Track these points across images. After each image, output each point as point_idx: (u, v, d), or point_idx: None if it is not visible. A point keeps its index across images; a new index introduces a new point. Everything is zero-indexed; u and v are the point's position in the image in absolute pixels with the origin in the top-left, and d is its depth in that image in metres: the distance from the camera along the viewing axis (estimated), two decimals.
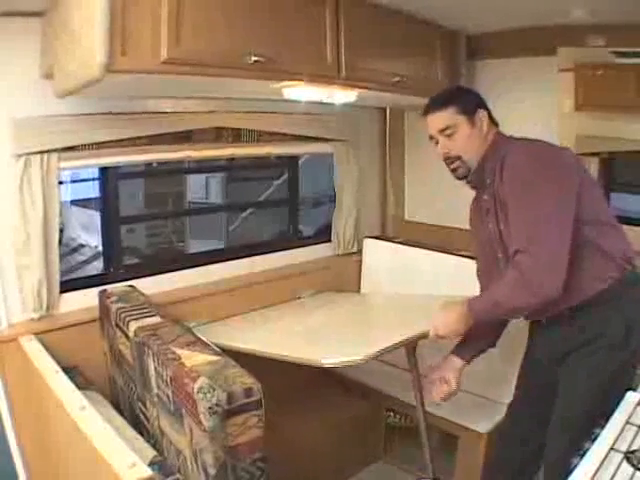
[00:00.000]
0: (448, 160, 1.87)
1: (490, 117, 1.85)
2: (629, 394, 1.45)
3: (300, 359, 1.86)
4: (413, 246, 3.00)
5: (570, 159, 1.73)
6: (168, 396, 1.66)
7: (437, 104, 1.85)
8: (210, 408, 1.44)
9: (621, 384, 1.60)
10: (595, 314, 1.69)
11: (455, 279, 2.61)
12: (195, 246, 6.57)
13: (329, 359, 1.79)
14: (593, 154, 3.03)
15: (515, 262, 1.65)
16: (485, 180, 1.83)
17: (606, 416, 1.47)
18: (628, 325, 1.66)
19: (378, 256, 3.17)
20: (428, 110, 1.87)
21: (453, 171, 1.88)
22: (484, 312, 1.76)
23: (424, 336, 1.93)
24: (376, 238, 3.26)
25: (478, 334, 1.92)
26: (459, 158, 1.83)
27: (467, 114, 1.81)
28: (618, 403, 1.50)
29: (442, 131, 1.83)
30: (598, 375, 1.69)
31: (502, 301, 1.71)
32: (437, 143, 1.87)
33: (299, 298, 2.99)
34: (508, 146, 1.76)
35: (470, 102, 1.85)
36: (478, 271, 2.04)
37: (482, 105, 1.86)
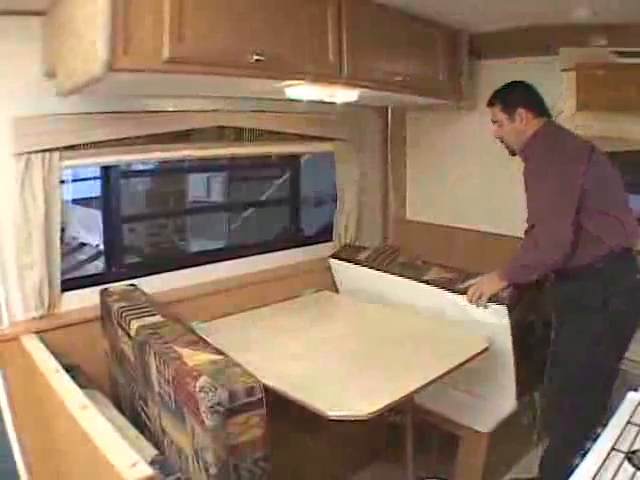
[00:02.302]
0: (500, 141, 2.37)
1: (535, 110, 2.25)
2: (630, 394, 1.45)
3: (305, 403, 1.82)
4: (372, 268, 2.93)
5: (579, 153, 2.11)
6: (169, 395, 1.66)
7: (490, 100, 2.35)
8: (212, 407, 1.45)
9: (605, 345, 2.09)
10: (580, 280, 2.15)
11: (418, 305, 2.66)
12: (196, 245, 6.56)
13: (335, 411, 1.76)
14: None
15: (532, 234, 2.17)
16: (523, 160, 2.29)
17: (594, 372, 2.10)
18: (606, 294, 2.07)
19: (346, 275, 3.13)
20: (487, 104, 2.38)
21: (506, 148, 2.37)
22: (514, 273, 2.29)
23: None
24: (338, 258, 3.15)
25: None
26: (505, 142, 2.35)
27: (507, 113, 2.27)
28: (606, 366, 2.13)
29: (494, 122, 2.34)
30: (584, 333, 2.12)
31: (526, 263, 2.24)
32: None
33: (297, 297, 2.99)
34: (539, 138, 2.21)
35: (511, 101, 2.27)
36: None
37: (524, 102, 2.25)
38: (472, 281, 2.43)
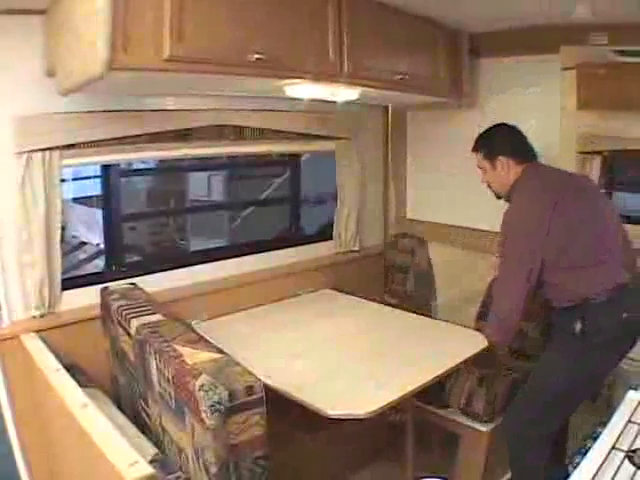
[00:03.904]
0: (486, 184, 2.35)
1: (516, 157, 2.21)
2: (630, 393, 1.45)
3: (306, 403, 1.83)
4: None
5: (541, 219, 2.04)
6: (170, 394, 1.66)
7: (474, 146, 2.33)
8: (212, 406, 1.44)
9: (585, 368, 2.04)
10: (563, 315, 2.10)
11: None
12: (197, 244, 6.56)
13: (335, 410, 1.77)
14: (595, 153, 3.03)
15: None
16: (508, 202, 2.26)
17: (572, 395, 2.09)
18: (584, 324, 2.00)
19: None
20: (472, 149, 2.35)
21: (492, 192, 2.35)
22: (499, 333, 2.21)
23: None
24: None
25: None
26: (491, 187, 2.33)
27: (489, 160, 2.26)
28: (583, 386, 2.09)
29: (479, 167, 2.32)
30: (566, 356, 2.07)
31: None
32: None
33: (297, 295, 3.00)
34: (516, 188, 2.21)
35: (492, 149, 2.25)
36: None
37: (504, 150, 2.22)
38: None
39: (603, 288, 2.00)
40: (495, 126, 2.32)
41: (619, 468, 1.15)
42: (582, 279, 2.05)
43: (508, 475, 2.47)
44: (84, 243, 6.83)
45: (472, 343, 2.26)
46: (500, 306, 2.15)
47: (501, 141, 2.26)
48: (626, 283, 2.02)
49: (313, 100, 2.41)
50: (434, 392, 2.29)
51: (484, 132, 2.33)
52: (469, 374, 2.41)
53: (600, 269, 2.04)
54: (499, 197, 2.32)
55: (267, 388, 1.61)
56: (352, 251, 3.35)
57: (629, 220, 3.07)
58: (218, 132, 2.66)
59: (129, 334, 1.93)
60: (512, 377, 2.48)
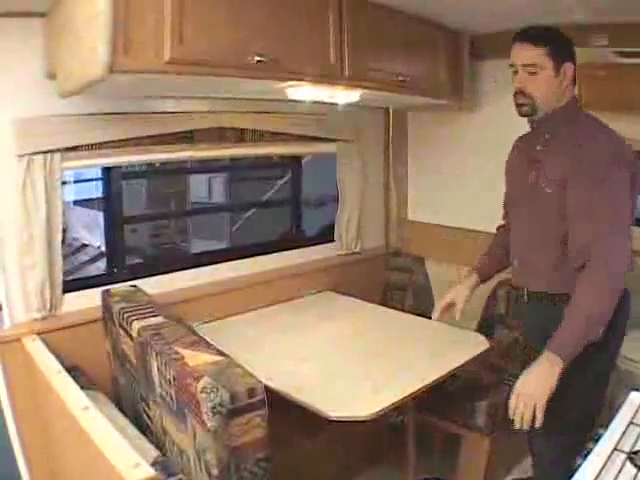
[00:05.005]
0: (519, 95, 1.81)
1: (574, 75, 1.80)
2: (632, 394, 1.45)
3: (307, 405, 1.84)
4: None
5: (634, 164, 1.73)
6: (171, 396, 1.66)
7: (531, 37, 1.78)
8: (213, 408, 1.44)
9: (603, 384, 1.85)
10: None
11: None
12: (198, 246, 6.58)
13: (337, 412, 1.77)
14: None
15: (587, 267, 1.66)
16: (544, 134, 1.85)
17: (591, 415, 1.82)
18: (610, 330, 1.71)
19: None
20: (519, 38, 1.80)
21: (518, 106, 1.84)
22: (577, 342, 1.63)
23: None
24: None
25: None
26: (531, 98, 1.79)
27: (556, 61, 1.76)
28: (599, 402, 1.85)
29: (526, 66, 1.78)
30: (585, 374, 1.73)
31: (597, 314, 1.63)
32: (515, 72, 1.82)
33: (299, 297, 3.00)
34: (588, 126, 1.77)
35: (564, 50, 1.78)
36: (504, 219, 2.21)
37: (572, 58, 1.79)
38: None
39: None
40: (554, 27, 1.83)
41: (621, 470, 1.15)
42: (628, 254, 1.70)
43: (510, 477, 2.48)
44: (85, 245, 6.85)
45: (474, 345, 2.26)
46: (615, 267, 1.64)
47: (571, 45, 1.82)
48: None
49: (314, 102, 2.41)
50: (435, 398, 2.27)
51: (540, 27, 1.80)
52: (467, 382, 2.42)
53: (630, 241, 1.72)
54: (526, 114, 1.85)
55: (268, 390, 1.61)
56: (354, 253, 3.35)
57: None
58: (219, 134, 2.66)
59: (130, 336, 1.93)
60: (510, 385, 2.46)
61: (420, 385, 1.94)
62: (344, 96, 2.43)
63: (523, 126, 2.20)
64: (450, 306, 2.11)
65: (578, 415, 1.82)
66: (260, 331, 2.52)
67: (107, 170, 2.48)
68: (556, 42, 1.77)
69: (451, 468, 2.46)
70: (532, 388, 1.60)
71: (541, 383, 1.59)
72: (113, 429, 1.49)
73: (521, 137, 2.07)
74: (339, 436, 2.35)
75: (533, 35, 1.77)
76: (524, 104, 1.81)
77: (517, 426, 1.60)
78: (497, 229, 2.27)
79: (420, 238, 3.50)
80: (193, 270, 2.72)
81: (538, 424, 1.57)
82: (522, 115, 1.85)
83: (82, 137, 2.20)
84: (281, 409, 1.78)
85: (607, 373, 1.87)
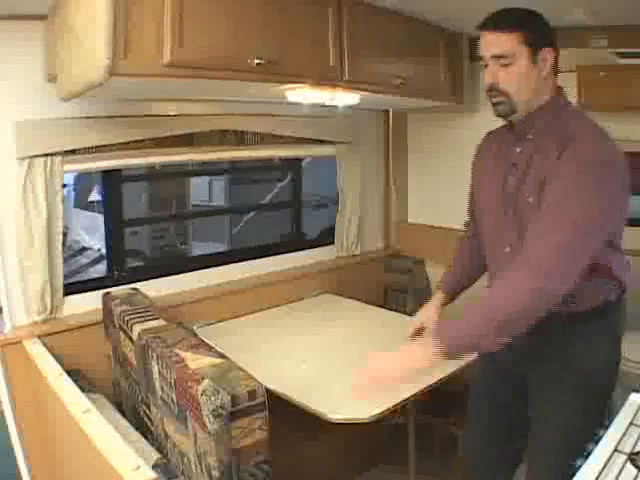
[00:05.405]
0: (492, 92, 1.53)
1: (555, 62, 1.51)
2: (633, 395, 1.44)
3: (307, 407, 1.85)
4: None
5: (626, 167, 1.45)
6: (172, 399, 1.66)
7: (502, 22, 1.48)
8: (214, 411, 1.44)
9: (604, 399, 1.61)
10: (584, 330, 1.54)
11: None
12: (198, 249, 6.58)
13: (337, 414, 1.78)
14: None
15: (529, 247, 1.41)
16: (526, 133, 1.55)
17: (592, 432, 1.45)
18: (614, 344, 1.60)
19: None
20: (488, 25, 1.51)
21: (494, 105, 1.55)
22: (464, 335, 1.41)
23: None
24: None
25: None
26: (507, 94, 1.50)
27: (533, 47, 1.46)
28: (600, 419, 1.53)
29: (497, 57, 1.49)
30: (582, 398, 1.56)
31: (509, 305, 1.38)
32: (486, 66, 1.54)
33: (299, 299, 3.01)
34: (575, 122, 1.48)
35: (540, 34, 1.49)
36: (467, 227, 1.97)
37: (552, 43, 1.50)
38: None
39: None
40: (527, 8, 1.52)
41: (621, 471, 1.14)
42: (620, 260, 1.55)
43: None
44: (86, 248, 6.85)
45: None
46: (547, 271, 1.35)
47: (547, 26, 1.52)
48: None
49: (314, 105, 2.41)
50: (435, 399, 2.28)
51: (512, 9, 1.51)
52: (467, 383, 2.41)
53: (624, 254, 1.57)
54: (504, 114, 1.55)
55: (268, 392, 1.61)
56: (353, 255, 3.35)
57: (633, 223, 3.07)
58: (219, 137, 2.67)
59: (131, 339, 1.93)
60: None
61: (420, 387, 1.94)
62: (344, 98, 2.43)
63: None
64: (421, 330, 1.91)
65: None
66: (260, 333, 2.52)
67: (107, 173, 2.48)
68: (530, 25, 1.48)
69: (451, 468, 2.46)
70: (390, 360, 1.47)
71: (403, 359, 1.45)
72: (114, 432, 1.49)
73: (493, 133, 1.79)
74: (339, 438, 2.36)
75: (502, 20, 1.49)
76: (499, 102, 1.52)
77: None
78: (461, 239, 1.99)
79: (420, 240, 3.49)
80: (193, 273, 2.72)
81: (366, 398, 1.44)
82: (499, 116, 1.57)
83: (82, 140, 2.20)
84: (281, 411, 1.78)
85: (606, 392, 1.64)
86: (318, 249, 3.30)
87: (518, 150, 1.57)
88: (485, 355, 1.77)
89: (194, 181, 7.45)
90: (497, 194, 1.61)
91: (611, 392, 1.64)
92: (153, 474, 1.31)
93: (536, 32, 1.48)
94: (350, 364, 2.18)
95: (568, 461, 1.33)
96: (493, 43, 1.50)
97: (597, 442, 1.25)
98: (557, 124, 1.49)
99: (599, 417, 1.53)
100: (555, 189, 1.41)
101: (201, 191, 7.52)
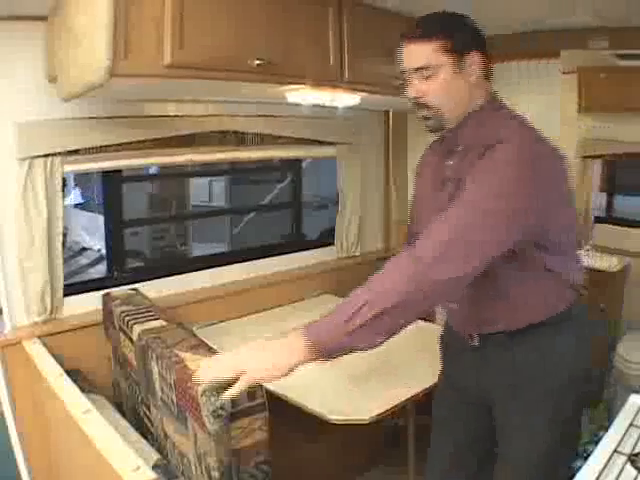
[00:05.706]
0: (418, 106, 1.41)
1: (485, 66, 1.41)
2: (632, 397, 1.44)
3: (307, 408, 1.85)
4: None
5: (561, 172, 1.39)
6: (172, 399, 1.66)
7: (419, 33, 1.37)
8: (214, 411, 1.44)
9: (577, 420, 1.54)
10: (543, 339, 1.43)
11: None
12: (198, 249, 6.58)
13: (337, 415, 1.78)
14: (596, 156, 3.03)
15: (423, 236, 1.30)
16: (458, 145, 1.44)
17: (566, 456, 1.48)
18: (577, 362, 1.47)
19: None
20: (405, 37, 1.40)
21: (423, 119, 1.43)
22: (333, 328, 1.39)
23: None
24: None
25: None
26: (434, 109, 1.39)
27: (457, 54, 1.35)
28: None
29: (418, 70, 1.36)
30: (556, 417, 1.45)
31: (381, 297, 1.34)
32: (408, 80, 1.41)
33: (299, 300, 3.01)
34: (506, 126, 1.37)
35: (463, 38, 1.37)
36: (411, 239, 1.66)
37: (479, 45, 1.39)
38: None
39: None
40: (444, 12, 1.42)
41: (621, 472, 1.14)
42: (573, 265, 1.48)
43: None
44: (85, 249, 6.85)
45: None
46: (437, 265, 1.24)
47: (473, 28, 1.41)
48: None
49: (314, 105, 2.41)
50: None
51: (433, 15, 1.42)
52: None
53: (578, 259, 1.51)
54: (434, 129, 1.44)
55: (268, 393, 1.61)
56: (354, 256, 3.35)
57: (632, 224, 3.08)
58: (220, 138, 2.67)
59: (131, 340, 1.93)
60: None
61: (420, 388, 1.94)
62: (344, 99, 2.43)
63: None
64: None
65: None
66: (260, 334, 2.49)
67: (107, 173, 2.48)
68: (451, 30, 1.36)
69: None
70: (252, 356, 1.34)
71: (265, 356, 1.34)
72: (114, 432, 1.50)
73: (432, 145, 1.64)
74: (339, 438, 2.35)
75: (421, 29, 1.38)
76: (427, 117, 1.41)
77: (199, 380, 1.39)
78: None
79: None
80: (194, 273, 2.72)
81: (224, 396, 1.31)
82: (430, 131, 1.46)
83: (83, 140, 2.20)
84: (281, 412, 1.78)
85: (578, 409, 1.55)
86: (318, 250, 3.30)
87: (449, 163, 1.47)
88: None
89: (194, 182, 7.45)
90: (433, 211, 1.41)
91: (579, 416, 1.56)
92: (153, 475, 1.31)
93: (459, 37, 1.36)
94: (350, 364, 2.19)
95: None
96: (413, 54, 1.37)
97: (597, 443, 1.25)
98: (484, 132, 1.37)
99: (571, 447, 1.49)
100: (467, 186, 1.30)
101: (201, 192, 7.52)
